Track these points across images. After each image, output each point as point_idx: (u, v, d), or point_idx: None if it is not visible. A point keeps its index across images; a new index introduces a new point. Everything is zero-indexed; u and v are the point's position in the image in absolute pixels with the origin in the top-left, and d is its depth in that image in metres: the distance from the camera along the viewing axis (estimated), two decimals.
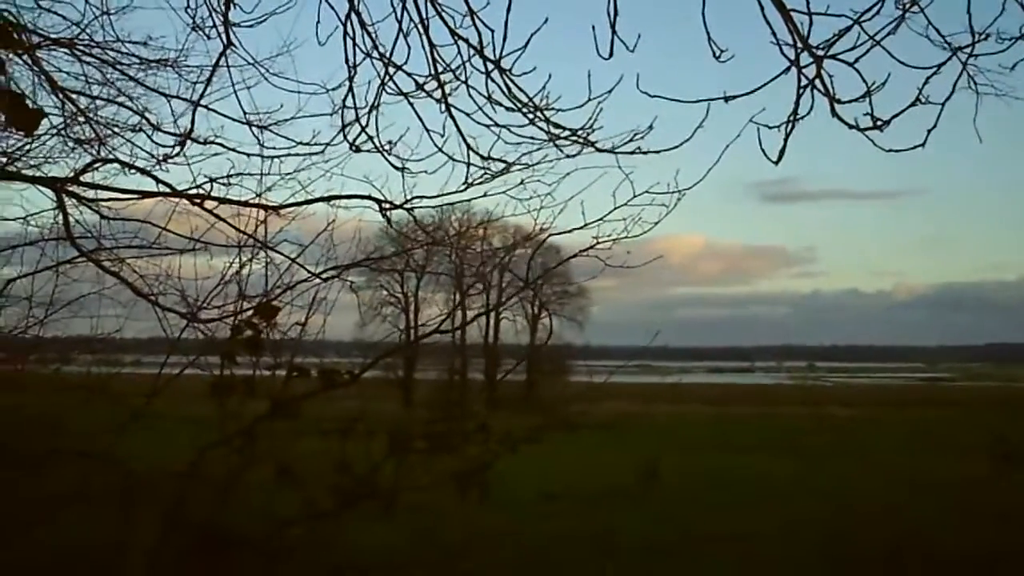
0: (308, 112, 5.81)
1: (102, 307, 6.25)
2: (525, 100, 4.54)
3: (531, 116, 4.65)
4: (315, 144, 5.80)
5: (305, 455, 3.74)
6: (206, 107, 5.83)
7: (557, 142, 4.90)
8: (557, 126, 4.74)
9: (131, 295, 5.79)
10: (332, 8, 4.61)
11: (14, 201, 6.15)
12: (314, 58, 5.48)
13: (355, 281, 6.52)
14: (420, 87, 4.77)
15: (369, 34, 4.67)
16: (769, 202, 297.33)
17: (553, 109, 4.65)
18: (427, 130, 4.93)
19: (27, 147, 6.23)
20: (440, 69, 4.60)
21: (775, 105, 3.79)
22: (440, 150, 5.00)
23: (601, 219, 4.85)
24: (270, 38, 5.87)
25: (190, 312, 5.57)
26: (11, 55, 4.76)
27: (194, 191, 5.72)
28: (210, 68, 5.50)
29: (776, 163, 3.79)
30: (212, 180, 5.85)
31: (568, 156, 5.05)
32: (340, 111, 5.13)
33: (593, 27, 3.77)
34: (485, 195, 5.46)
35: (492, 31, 4.23)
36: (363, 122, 5.03)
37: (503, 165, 5.22)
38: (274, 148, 5.93)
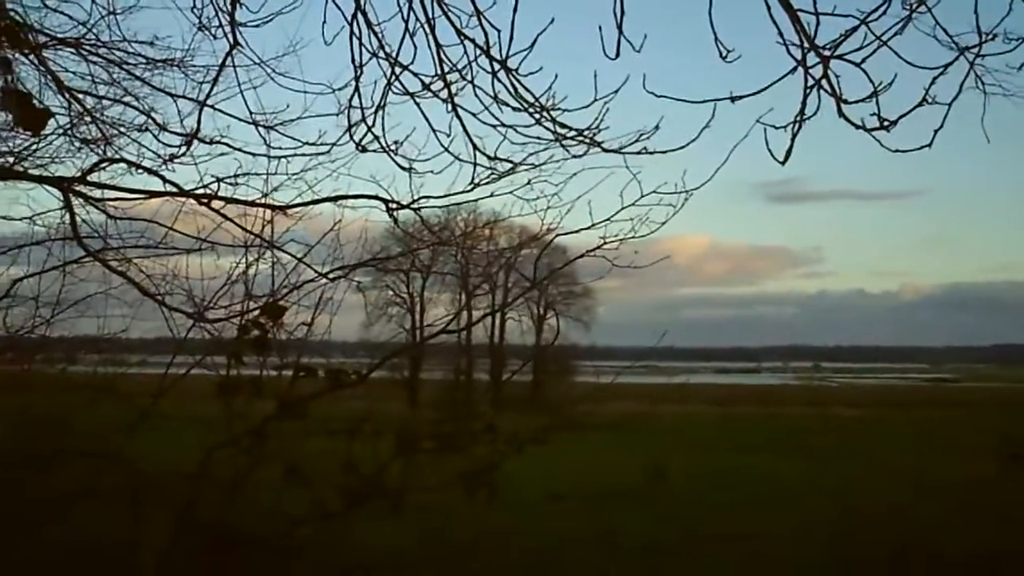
0: (314, 112, 5.80)
1: (108, 307, 6.23)
2: (531, 100, 4.54)
3: (537, 116, 4.64)
4: (321, 144, 5.79)
5: (313, 455, 3.75)
6: (212, 107, 5.81)
7: (564, 142, 4.88)
8: (564, 126, 4.73)
9: (138, 295, 5.77)
10: (338, 8, 4.62)
11: (21, 201, 6.12)
12: (320, 58, 5.49)
13: (361, 281, 6.54)
14: (426, 87, 4.77)
15: (375, 34, 4.68)
16: (775, 202, 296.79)
17: (560, 109, 4.64)
18: (433, 130, 4.92)
19: (34, 147, 6.23)
20: (446, 69, 4.60)
21: (782, 105, 3.78)
22: (446, 150, 4.99)
23: (608, 219, 4.85)
24: (276, 38, 5.85)
25: (197, 312, 5.55)
26: (18, 55, 4.79)
27: (201, 191, 5.71)
28: (216, 68, 5.49)
29: (783, 163, 3.80)
30: (219, 180, 5.83)
31: (575, 156, 5.03)
32: (346, 111, 5.11)
33: (600, 27, 3.76)
34: (491, 195, 5.43)
35: (499, 31, 4.23)
36: (369, 122, 5.02)
37: (509, 165, 5.20)
38: (280, 148, 5.92)
